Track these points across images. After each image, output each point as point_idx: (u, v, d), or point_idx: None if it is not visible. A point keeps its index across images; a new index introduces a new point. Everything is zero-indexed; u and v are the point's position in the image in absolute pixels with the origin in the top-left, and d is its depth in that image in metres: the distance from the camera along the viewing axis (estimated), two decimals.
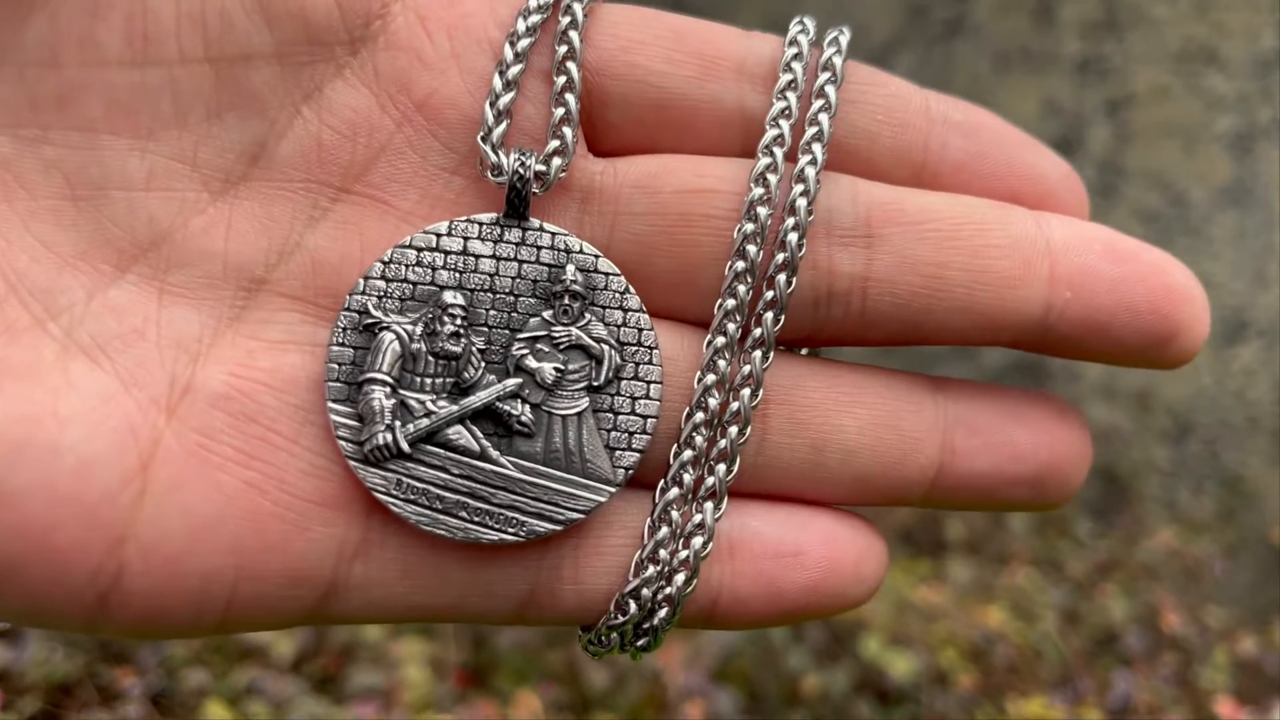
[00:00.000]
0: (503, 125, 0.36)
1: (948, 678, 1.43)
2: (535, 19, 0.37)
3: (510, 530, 0.35)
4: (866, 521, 0.38)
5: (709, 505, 0.36)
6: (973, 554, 1.65)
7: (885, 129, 0.38)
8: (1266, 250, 2.03)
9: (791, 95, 0.37)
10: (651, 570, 0.36)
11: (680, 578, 0.36)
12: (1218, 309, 1.94)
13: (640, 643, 0.37)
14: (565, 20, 0.37)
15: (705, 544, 0.36)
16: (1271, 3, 2.02)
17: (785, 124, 0.37)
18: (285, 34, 0.35)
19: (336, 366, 0.35)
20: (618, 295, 0.37)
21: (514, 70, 0.36)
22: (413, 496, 0.35)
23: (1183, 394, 1.98)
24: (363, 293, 0.36)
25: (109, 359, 0.34)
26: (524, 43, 0.36)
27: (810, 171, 0.37)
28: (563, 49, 0.37)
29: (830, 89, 0.38)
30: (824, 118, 0.37)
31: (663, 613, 0.36)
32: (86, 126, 0.34)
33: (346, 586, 0.35)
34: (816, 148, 0.37)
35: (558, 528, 0.35)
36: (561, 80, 0.37)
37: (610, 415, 0.36)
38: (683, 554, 0.36)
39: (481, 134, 0.36)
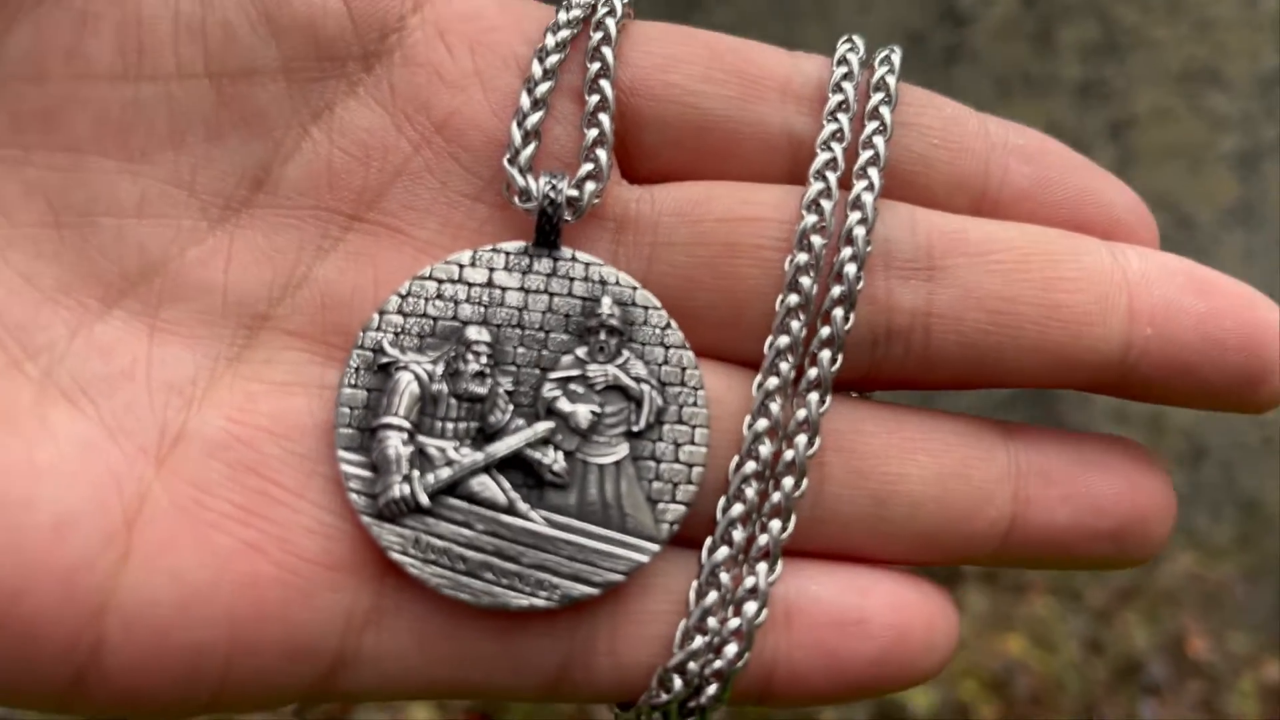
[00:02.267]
0: (531, 147, 0.33)
1: (969, 710, 1.40)
2: (565, 34, 0.34)
3: (542, 594, 0.32)
4: (935, 585, 0.35)
5: (762, 567, 0.33)
6: (989, 583, 1.62)
7: (942, 154, 0.36)
8: (1275, 270, 2.02)
9: (843, 117, 0.35)
10: (699, 641, 0.32)
11: (731, 649, 0.32)
12: None
13: None
14: (597, 36, 0.34)
15: (759, 611, 0.33)
16: (1273, 22, 2.02)
17: (838, 147, 0.34)
18: (293, 48, 0.32)
19: (348, 411, 0.32)
20: (658, 330, 0.33)
21: (543, 88, 0.33)
22: (432, 556, 0.32)
23: (1196, 416, 1.96)
24: (378, 329, 0.33)
25: (92, 403, 0.31)
26: (553, 59, 0.34)
27: (867, 198, 0.34)
28: (595, 66, 0.34)
29: (885, 110, 0.35)
30: (879, 140, 0.35)
31: (711, 689, 0.33)
32: (72, 146, 0.31)
33: (356, 660, 0.31)
34: (873, 172, 0.34)
35: (595, 591, 0.32)
36: (594, 99, 0.34)
37: (652, 464, 0.33)
38: (734, 622, 0.33)
39: (508, 156, 0.33)
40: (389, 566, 0.32)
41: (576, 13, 0.35)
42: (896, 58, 0.36)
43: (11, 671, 0.29)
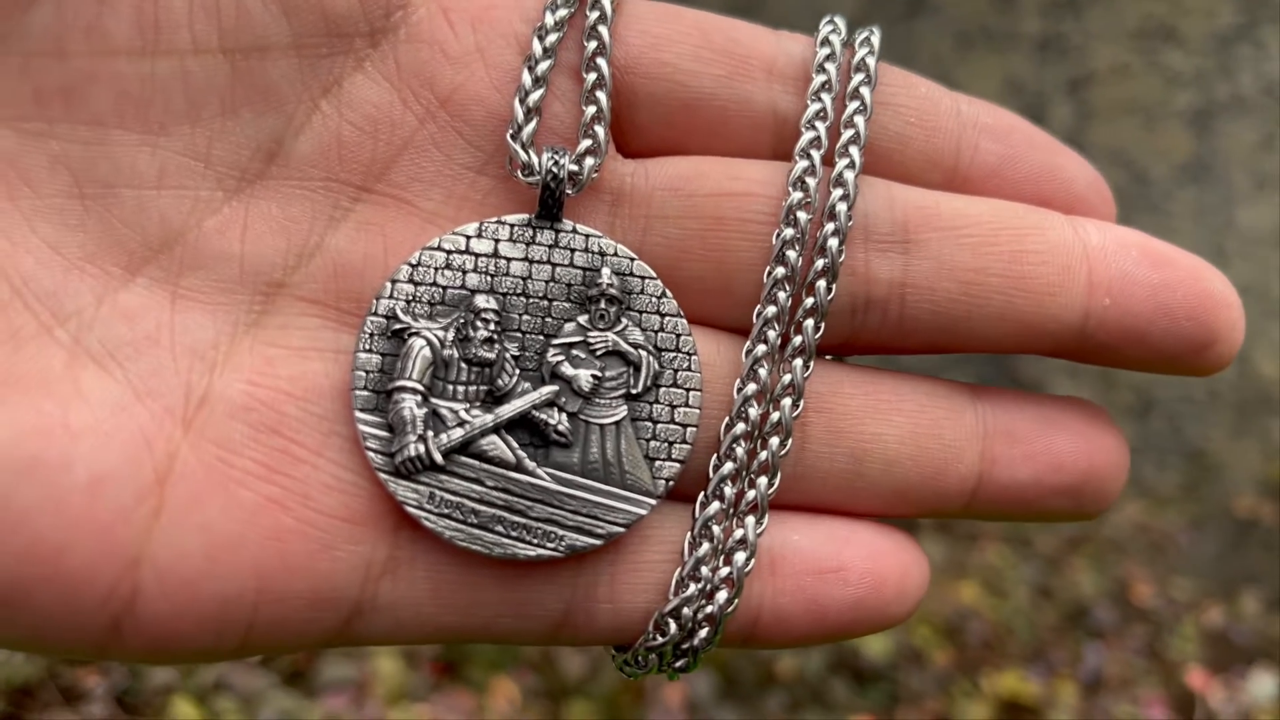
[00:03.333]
0: (533, 123, 0.35)
1: (923, 655, 1.45)
2: (563, 13, 0.35)
3: (549, 545, 0.34)
4: (908, 535, 0.37)
5: (750, 520, 0.35)
6: (944, 532, 1.66)
7: (917, 132, 0.37)
8: (1226, 226, 2.07)
9: (826, 97, 0.36)
10: (693, 588, 0.35)
11: (722, 595, 0.35)
12: None
13: (679, 664, 0.36)
14: (594, 15, 0.36)
15: (748, 560, 0.35)
16: None
17: (822, 126, 0.36)
18: (303, 25, 0.33)
19: (364, 374, 0.34)
20: (654, 299, 0.35)
21: (543, 66, 0.35)
22: (446, 511, 0.34)
23: None
24: (390, 296, 0.34)
25: (120, 367, 0.32)
26: (552, 37, 0.35)
27: (849, 176, 0.36)
28: (592, 44, 0.35)
29: (865, 90, 0.37)
30: (860, 120, 0.36)
31: (703, 633, 0.35)
32: (94, 120, 0.32)
33: (373, 607, 0.33)
34: (854, 151, 0.36)
35: (597, 542, 0.34)
36: (592, 77, 0.35)
37: (649, 424, 0.35)
38: (724, 571, 0.35)
39: (511, 131, 0.34)
40: (404, 520, 0.34)
41: None
42: (876, 39, 0.38)
43: (54, 622, 0.31)
